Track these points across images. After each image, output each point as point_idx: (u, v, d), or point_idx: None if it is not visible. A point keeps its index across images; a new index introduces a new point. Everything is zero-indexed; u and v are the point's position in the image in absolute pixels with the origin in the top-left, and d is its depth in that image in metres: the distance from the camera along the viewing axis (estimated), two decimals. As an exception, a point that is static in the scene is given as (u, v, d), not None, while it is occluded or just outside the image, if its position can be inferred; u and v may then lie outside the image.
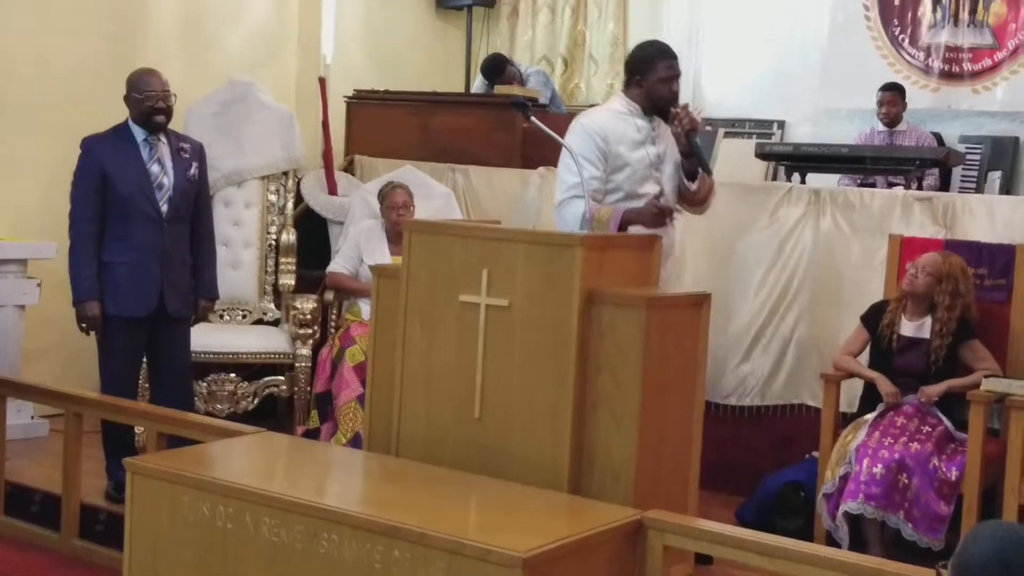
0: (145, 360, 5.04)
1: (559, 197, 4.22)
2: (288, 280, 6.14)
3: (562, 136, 4.22)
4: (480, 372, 3.77)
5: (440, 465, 3.72)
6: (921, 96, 7.19)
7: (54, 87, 6.01)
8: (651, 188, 4.32)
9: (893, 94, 6.95)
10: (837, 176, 6.62)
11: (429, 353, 3.89)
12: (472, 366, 3.78)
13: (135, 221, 4.75)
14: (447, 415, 3.81)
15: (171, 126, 4.95)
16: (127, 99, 4.85)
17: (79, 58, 6.06)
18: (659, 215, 4.14)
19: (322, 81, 6.52)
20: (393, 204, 5.60)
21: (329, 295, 5.83)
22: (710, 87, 7.79)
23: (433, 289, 3.87)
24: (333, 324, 5.83)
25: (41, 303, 5.78)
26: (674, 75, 4.33)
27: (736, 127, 7.63)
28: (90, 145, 4.80)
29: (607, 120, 4.33)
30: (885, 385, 4.55)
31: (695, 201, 4.47)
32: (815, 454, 4.75)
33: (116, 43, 6.19)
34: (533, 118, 3.94)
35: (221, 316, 6.10)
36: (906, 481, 4.32)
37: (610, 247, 3.73)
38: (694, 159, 4.33)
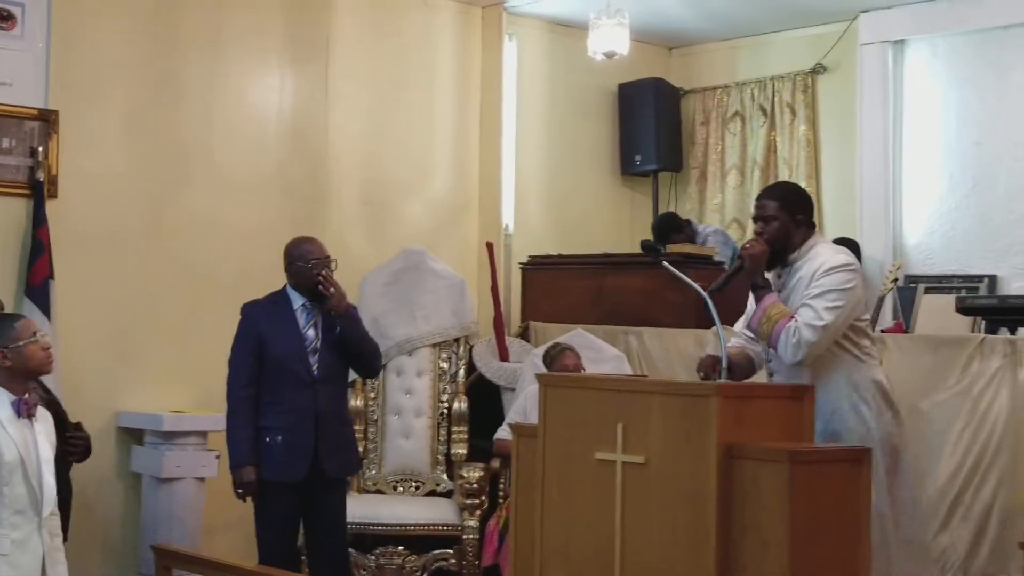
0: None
1: None
2: (460, 449, 6.02)
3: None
4: (619, 537, 3.52)
5: (582, 637, 3.45)
6: None
7: (233, 261, 6.17)
8: None
9: None
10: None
11: (568, 517, 3.68)
12: (610, 530, 3.54)
13: (289, 385, 4.75)
14: (587, 584, 3.55)
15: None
16: (288, 267, 4.91)
17: (259, 231, 6.21)
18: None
19: (490, 246, 6.50)
20: (563, 367, 5.42)
21: (496, 463, 5.66)
22: (911, 240, 7.37)
23: (569, 447, 3.68)
24: (501, 494, 5.64)
25: (221, 475, 5.81)
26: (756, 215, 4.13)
27: (942, 283, 7.15)
28: (248, 310, 4.88)
29: None
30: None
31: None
32: (1028, 639, 4.18)
33: (298, 215, 6.33)
34: (665, 262, 3.75)
35: (394, 488, 6.01)
36: None
37: (752, 397, 3.44)
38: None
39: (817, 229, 4.20)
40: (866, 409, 3.93)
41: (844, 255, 4.00)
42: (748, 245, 4.02)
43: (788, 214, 4.04)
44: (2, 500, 3.68)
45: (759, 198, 4.14)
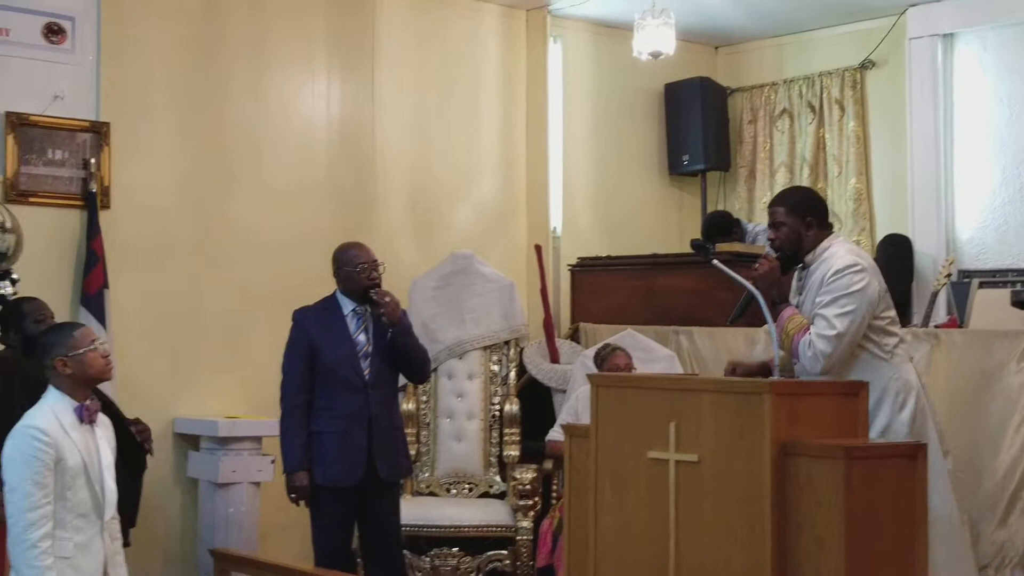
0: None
1: None
2: (512, 451, 6.03)
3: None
4: (673, 536, 3.51)
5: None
6: None
7: (284, 268, 6.22)
8: None
9: None
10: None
11: (621, 517, 3.67)
12: (665, 529, 3.53)
13: (341, 390, 4.78)
14: (642, 584, 3.55)
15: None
16: (337, 273, 4.94)
17: (308, 238, 6.26)
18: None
19: (538, 249, 6.51)
20: (614, 367, 5.43)
21: (549, 464, 5.67)
22: (964, 235, 7.29)
23: (622, 446, 3.67)
24: (554, 495, 5.65)
25: (277, 479, 5.86)
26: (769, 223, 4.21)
27: (996, 277, 7.06)
28: (299, 317, 4.91)
29: None
30: None
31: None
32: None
33: (347, 221, 6.37)
34: (715, 260, 3.75)
35: (448, 490, 6.04)
36: None
37: (805, 394, 3.42)
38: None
39: (834, 229, 4.18)
40: (887, 405, 3.90)
41: (852, 256, 3.97)
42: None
43: (797, 218, 4.06)
44: (66, 504, 3.74)
45: (769, 206, 4.21)
